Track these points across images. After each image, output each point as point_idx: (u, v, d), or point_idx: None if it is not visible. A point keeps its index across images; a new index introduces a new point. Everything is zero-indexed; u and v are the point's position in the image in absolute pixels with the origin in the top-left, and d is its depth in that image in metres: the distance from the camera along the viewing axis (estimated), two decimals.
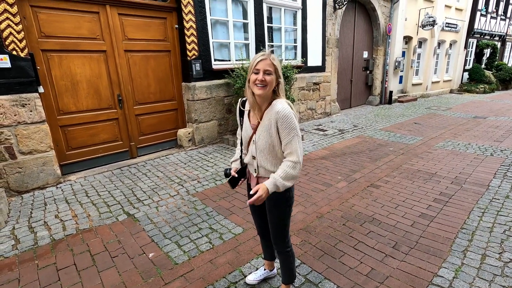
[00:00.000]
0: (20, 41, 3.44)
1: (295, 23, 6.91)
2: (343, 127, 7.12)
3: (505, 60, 18.15)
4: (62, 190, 3.76)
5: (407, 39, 11.35)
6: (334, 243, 2.61)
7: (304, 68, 7.07)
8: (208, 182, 3.95)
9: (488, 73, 14.85)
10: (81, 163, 4.34)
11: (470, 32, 14.27)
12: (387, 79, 10.53)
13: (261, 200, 1.50)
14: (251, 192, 1.51)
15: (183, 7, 4.78)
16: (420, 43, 12.15)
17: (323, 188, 3.72)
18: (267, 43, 6.20)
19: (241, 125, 1.78)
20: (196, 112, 5.26)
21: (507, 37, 17.55)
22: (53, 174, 3.85)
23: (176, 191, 3.70)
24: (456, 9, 13.21)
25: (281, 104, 1.55)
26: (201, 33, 5.07)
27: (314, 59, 7.51)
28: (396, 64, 10.42)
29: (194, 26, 4.95)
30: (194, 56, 5.06)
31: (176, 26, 4.98)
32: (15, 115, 3.49)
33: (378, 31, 9.93)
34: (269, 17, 6.30)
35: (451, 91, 14.71)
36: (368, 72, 10.38)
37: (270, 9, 6.30)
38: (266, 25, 6.07)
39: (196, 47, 5.05)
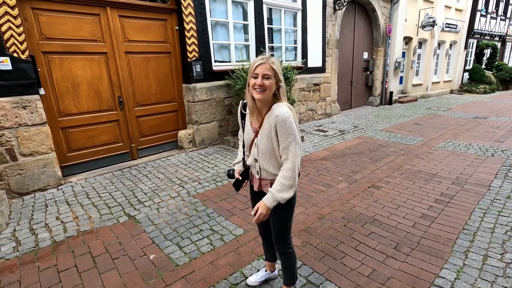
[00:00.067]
0: (21, 43, 3.45)
1: (295, 24, 6.92)
2: (344, 128, 7.12)
3: (505, 60, 18.15)
4: (63, 191, 3.76)
5: (407, 40, 11.35)
6: (335, 244, 2.60)
7: (304, 69, 7.07)
8: (208, 183, 3.95)
9: (488, 73, 14.85)
10: (82, 164, 4.34)
11: (470, 32, 14.27)
12: (387, 80, 10.54)
13: (264, 217, 1.56)
14: (252, 213, 1.58)
15: (183, 8, 4.79)
16: (420, 43, 12.16)
17: (324, 189, 3.72)
18: (267, 44, 6.21)
19: (243, 128, 1.77)
20: (197, 113, 5.27)
21: (507, 37, 17.55)
22: (54, 176, 3.85)
23: (177, 192, 3.70)
24: (456, 9, 13.22)
25: (280, 108, 1.53)
26: (202, 34, 5.08)
27: (314, 60, 7.52)
28: (396, 64, 10.42)
29: (194, 27, 4.96)
30: (194, 58, 5.07)
31: (177, 27, 4.99)
32: (16, 117, 3.49)
33: (378, 32, 9.93)
34: (269, 18, 6.31)
35: (452, 92, 14.71)
36: (368, 73, 10.39)
37: (270, 10, 6.31)
38: (266, 26, 6.08)
39: (196, 49, 5.06)
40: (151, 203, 3.43)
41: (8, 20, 3.34)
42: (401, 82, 11.76)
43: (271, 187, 1.61)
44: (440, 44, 12.98)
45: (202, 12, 5.03)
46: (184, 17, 4.82)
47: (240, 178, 1.80)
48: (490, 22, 15.31)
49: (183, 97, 5.36)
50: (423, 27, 11.11)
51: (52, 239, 2.75)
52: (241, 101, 1.78)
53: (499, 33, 16.48)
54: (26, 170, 3.63)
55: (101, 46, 4.26)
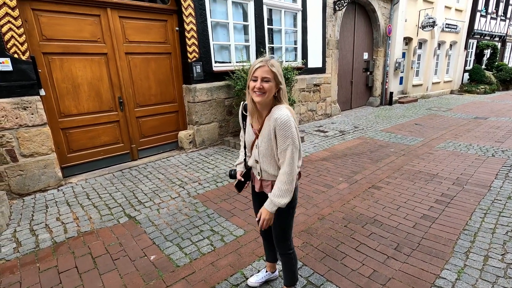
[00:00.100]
0: (22, 44, 3.46)
1: (295, 25, 6.93)
2: (344, 128, 7.12)
3: (505, 61, 18.15)
4: (63, 192, 3.76)
5: (407, 40, 11.36)
6: (336, 245, 2.60)
7: (305, 69, 7.07)
8: (209, 184, 3.95)
9: (488, 73, 14.85)
10: (82, 165, 4.34)
11: (470, 33, 14.28)
12: (387, 80, 10.54)
13: (268, 222, 1.61)
14: (256, 220, 1.63)
15: (183, 9, 4.79)
16: (420, 44, 12.16)
17: (324, 189, 3.72)
18: (267, 45, 6.22)
19: (244, 129, 1.77)
20: (197, 114, 5.27)
21: (507, 37, 17.55)
22: (54, 177, 3.85)
23: (177, 193, 3.70)
24: (456, 10, 13.23)
25: (280, 111, 1.52)
26: (202, 35, 5.09)
27: (314, 61, 7.52)
28: (397, 65, 10.43)
29: (194, 28, 4.97)
30: (194, 58, 5.07)
31: (177, 28, 4.99)
32: (16, 118, 3.50)
33: (378, 32, 9.94)
34: (269, 19, 6.31)
35: (452, 92, 14.70)
36: (368, 73, 10.39)
37: (270, 11, 6.32)
38: (266, 27, 6.09)
39: (196, 49, 5.06)
40: (151, 203, 3.43)
41: (9, 21, 3.35)
42: (401, 83, 11.77)
43: (272, 188, 1.62)
44: (440, 44, 12.98)
45: (202, 13, 5.04)
46: (184, 18, 4.83)
47: (242, 179, 1.81)
48: (490, 22, 15.32)
49: (183, 97, 5.36)
50: (423, 27, 11.11)
51: (52, 240, 2.75)
52: (242, 102, 1.78)
53: (499, 34, 16.48)
54: (26, 171, 3.64)
55: (102, 47, 4.27)
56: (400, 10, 9.94)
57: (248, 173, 1.83)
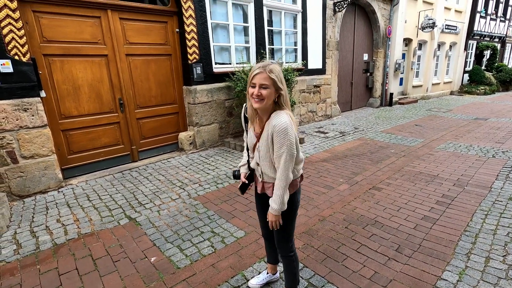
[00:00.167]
0: (22, 46, 3.46)
1: (295, 26, 6.94)
2: (344, 129, 7.12)
3: (505, 62, 18.17)
4: (63, 194, 3.76)
5: (407, 41, 11.37)
6: (337, 246, 2.59)
7: (305, 70, 7.08)
8: (209, 185, 3.95)
9: (488, 74, 14.87)
10: (83, 167, 4.34)
11: (470, 33, 14.30)
12: (387, 81, 10.54)
13: (275, 222, 1.65)
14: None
15: (183, 11, 4.80)
16: (420, 45, 12.18)
17: (325, 190, 3.72)
18: (267, 46, 6.22)
19: (247, 131, 1.78)
20: (197, 115, 5.27)
21: (506, 38, 17.58)
22: (54, 178, 3.85)
23: (178, 194, 3.69)
24: (456, 11, 13.25)
25: (279, 118, 1.51)
26: (202, 36, 5.09)
27: (314, 62, 7.53)
28: (396, 66, 10.44)
29: (194, 29, 4.97)
30: (195, 60, 5.08)
31: (177, 30, 5.00)
32: (17, 120, 3.50)
33: (378, 34, 9.95)
34: (269, 20, 6.33)
35: (452, 93, 14.71)
36: (368, 74, 10.40)
37: (270, 12, 6.33)
38: (266, 28, 6.10)
39: (197, 51, 5.07)
40: (152, 205, 3.42)
41: (10, 23, 3.35)
42: (401, 84, 11.78)
43: (273, 191, 1.63)
44: (440, 45, 13.00)
45: (203, 14, 5.04)
46: (185, 19, 4.84)
47: (246, 182, 1.81)
48: (489, 23, 15.34)
49: (183, 99, 5.36)
50: (423, 28, 11.13)
51: (53, 242, 2.74)
52: (244, 104, 1.78)
53: (499, 34, 16.50)
54: (27, 173, 3.63)
55: (102, 48, 4.27)
56: (400, 11, 9.96)
57: (251, 175, 1.84)
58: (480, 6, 14.19)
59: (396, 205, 3.29)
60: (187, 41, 4.92)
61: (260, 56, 5.87)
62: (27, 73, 3.52)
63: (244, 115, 1.76)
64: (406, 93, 12.05)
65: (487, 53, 15.91)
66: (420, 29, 11.26)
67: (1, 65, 3.33)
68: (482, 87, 14.17)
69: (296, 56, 7.14)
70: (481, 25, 14.70)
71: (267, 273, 2.16)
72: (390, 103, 10.67)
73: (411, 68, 11.72)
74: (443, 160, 4.73)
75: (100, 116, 4.40)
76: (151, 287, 2.16)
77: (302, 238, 2.73)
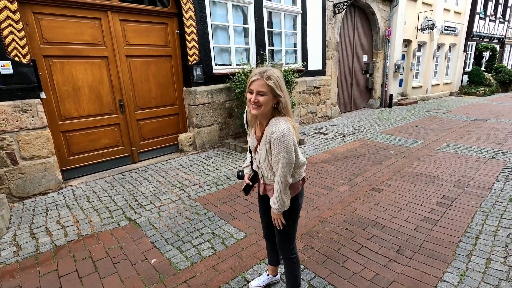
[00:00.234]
0: (23, 47, 3.46)
1: (295, 28, 6.95)
2: (344, 130, 7.12)
3: (504, 63, 18.21)
4: (63, 195, 3.75)
5: (407, 43, 11.39)
6: (337, 247, 2.59)
7: (305, 72, 7.08)
8: (209, 186, 3.94)
9: (487, 75, 14.89)
10: (83, 168, 4.33)
11: (469, 35, 14.33)
12: (387, 82, 10.56)
13: (277, 218, 1.68)
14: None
15: (184, 12, 4.81)
16: (420, 46, 12.20)
17: (325, 192, 3.71)
18: (267, 48, 6.23)
19: (249, 134, 1.79)
20: (197, 116, 5.27)
21: (506, 39, 17.62)
22: (54, 180, 3.84)
23: (178, 196, 3.69)
24: (455, 12, 13.29)
25: (277, 125, 1.51)
26: (202, 38, 5.10)
27: (314, 63, 7.54)
28: (396, 67, 10.45)
29: (195, 31, 4.98)
30: (195, 61, 5.08)
31: (177, 31, 5.00)
32: (17, 121, 3.49)
33: (378, 35, 9.97)
34: (269, 21, 6.34)
35: (451, 94, 14.73)
36: (368, 75, 10.41)
37: (270, 13, 6.34)
38: (266, 29, 6.10)
39: (197, 52, 5.08)
40: (152, 206, 3.42)
41: (10, 25, 3.36)
42: (400, 85, 11.79)
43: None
44: (439, 46, 13.03)
45: (203, 15, 5.05)
46: (185, 20, 4.84)
47: (250, 183, 1.81)
48: (489, 24, 15.38)
49: (183, 100, 5.36)
50: (422, 30, 11.16)
51: (52, 244, 2.73)
52: (246, 107, 1.79)
53: (498, 36, 16.54)
54: (26, 174, 3.63)
55: (102, 50, 4.27)
56: (400, 12, 9.98)
57: (255, 176, 1.84)
58: (479, 8, 14.22)
59: (397, 206, 3.29)
60: (187, 43, 4.92)
61: (260, 57, 5.88)
62: (27, 74, 3.52)
63: (246, 118, 1.77)
64: (405, 94, 12.06)
65: (487, 54, 15.94)
66: (419, 30, 11.28)
67: (1, 66, 3.33)
68: (482, 88, 14.19)
69: (296, 57, 7.15)
70: (480, 26, 14.74)
71: (268, 275, 2.15)
72: (390, 104, 10.68)
73: (411, 69, 11.74)
74: (443, 161, 4.73)
75: (100, 118, 4.40)
76: None
77: (303, 239, 2.72)
